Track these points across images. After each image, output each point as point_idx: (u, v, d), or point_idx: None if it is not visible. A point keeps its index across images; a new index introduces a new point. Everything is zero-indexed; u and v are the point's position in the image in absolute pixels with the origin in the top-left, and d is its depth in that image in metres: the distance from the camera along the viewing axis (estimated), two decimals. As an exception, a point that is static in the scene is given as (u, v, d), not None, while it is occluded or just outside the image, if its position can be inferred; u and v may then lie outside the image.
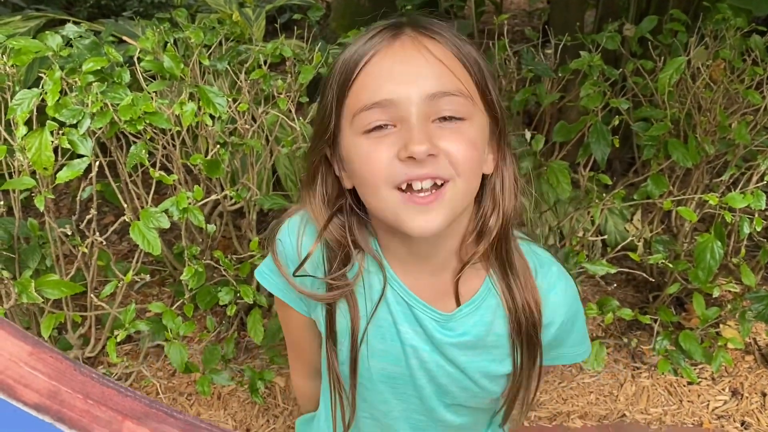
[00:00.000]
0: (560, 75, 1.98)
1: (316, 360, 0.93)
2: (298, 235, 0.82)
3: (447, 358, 0.82)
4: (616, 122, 1.83)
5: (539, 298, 0.81)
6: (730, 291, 1.87)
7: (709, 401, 1.95)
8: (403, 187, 0.69)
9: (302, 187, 0.83)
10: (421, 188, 0.69)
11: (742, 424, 1.88)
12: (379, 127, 0.69)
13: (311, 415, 1.11)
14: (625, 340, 2.10)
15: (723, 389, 1.98)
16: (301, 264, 0.81)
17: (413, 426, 0.89)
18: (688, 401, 1.95)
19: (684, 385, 1.99)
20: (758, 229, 1.71)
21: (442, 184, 0.70)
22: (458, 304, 0.81)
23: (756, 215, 1.72)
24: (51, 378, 0.40)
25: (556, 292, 0.83)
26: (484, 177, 0.76)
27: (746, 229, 1.72)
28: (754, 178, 1.80)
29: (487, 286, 0.81)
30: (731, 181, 1.92)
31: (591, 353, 1.81)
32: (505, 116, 0.76)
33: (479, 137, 0.72)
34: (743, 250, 1.85)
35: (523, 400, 0.86)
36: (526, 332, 0.80)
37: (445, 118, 0.69)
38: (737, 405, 1.93)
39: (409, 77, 0.68)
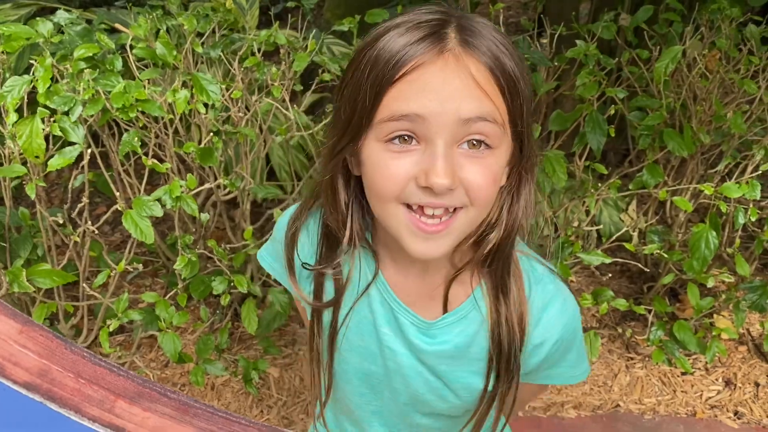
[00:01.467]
0: (556, 64, 1.97)
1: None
2: (295, 221, 0.83)
3: (426, 365, 0.80)
4: (612, 111, 1.83)
5: (527, 317, 0.78)
6: (724, 281, 1.87)
7: (702, 391, 1.95)
8: (414, 208, 0.68)
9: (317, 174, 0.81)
10: (433, 214, 0.68)
11: (735, 414, 1.88)
12: (403, 139, 0.66)
13: None
14: (620, 330, 2.10)
15: (716, 379, 1.99)
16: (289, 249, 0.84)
17: (386, 423, 0.88)
18: (682, 391, 1.95)
19: (678, 376, 2.00)
20: (753, 219, 1.71)
21: (454, 210, 0.68)
22: (445, 311, 0.79)
23: (751, 205, 1.72)
24: (41, 356, 0.39)
25: (550, 310, 0.79)
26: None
27: (741, 220, 1.72)
28: (749, 168, 1.80)
29: (475, 298, 0.78)
30: (726, 171, 1.92)
31: (587, 340, 1.81)
32: (532, 145, 0.73)
33: (500, 166, 0.70)
34: (738, 241, 1.85)
35: (496, 416, 0.83)
36: (506, 350, 0.77)
37: (473, 144, 0.66)
38: (730, 395, 1.94)
39: (445, 98, 0.64)
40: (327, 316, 0.82)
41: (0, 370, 0.37)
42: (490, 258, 0.75)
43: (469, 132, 0.65)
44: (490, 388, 0.80)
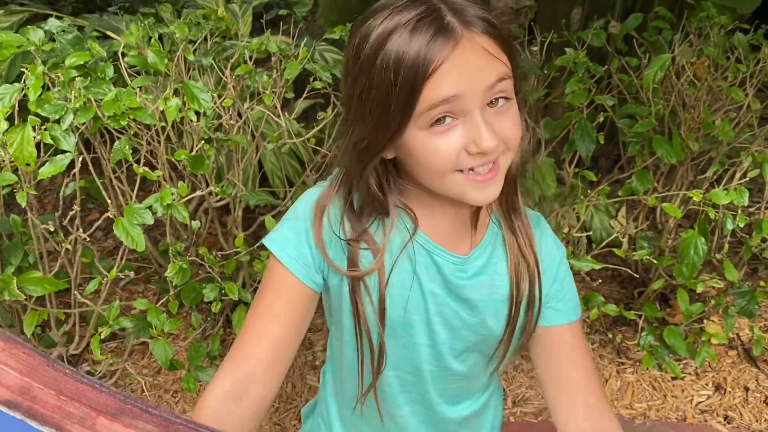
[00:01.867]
0: (546, 72, 1.98)
1: (262, 368, 0.86)
2: (327, 203, 0.88)
3: (462, 300, 0.89)
4: (602, 119, 1.84)
5: (535, 242, 0.91)
6: (713, 287, 1.89)
7: (692, 396, 1.97)
8: (465, 170, 0.79)
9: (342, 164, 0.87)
10: (480, 171, 0.79)
11: (725, 419, 1.90)
12: (440, 121, 0.76)
13: (314, 400, 1.14)
14: (610, 335, 2.11)
15: (706, 384, 2.00)
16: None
17: (423, 376, 0.95)
18: (672, 396, 1.97)
19: (668, 380, 2.01)
20: (741, 225, 1.73)
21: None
22: (472, 247, 0.90)
23: (739, 211, 1.74)
24: (22, 374, 0.39)
25: (546, 237, 0.94)
26: None
27: (729, 226, 1.73)
28: (738, 175, 1.82)
29: (493, 230, 0.91)
30: (715, 177, 1.94)
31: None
32: (518, 65, 0.83)
33: (518, 112, 0.81)
34: (726, 246, 1.87)
35: (516, 344, 0.93)
36: (525, 272, 0.89)
37: (495, 102, 0.77)
38: (720, 399, 1.95)
39: (471, 75, 0.75)
40: (373, 282, 0.87)
41: (-18, 388, 0.37)
42: (506, 186, 0.86)
43: (494, 93, 0.76)
44: (514, 303, 0.90)
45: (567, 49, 1.89)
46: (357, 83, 0.79)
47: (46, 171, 1.41)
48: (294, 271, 0.86)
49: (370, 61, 0.76)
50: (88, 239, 1.54)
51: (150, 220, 1.43)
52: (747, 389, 1.98)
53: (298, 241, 0.87)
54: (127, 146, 1.50)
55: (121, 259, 1.62)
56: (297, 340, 0.90)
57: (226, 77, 1.73)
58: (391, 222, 0.86)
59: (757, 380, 2.00)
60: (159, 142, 1.64)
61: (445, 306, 0.89)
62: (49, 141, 1.42)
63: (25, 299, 1.50)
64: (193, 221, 1.54)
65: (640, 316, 1.95)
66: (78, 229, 1.54)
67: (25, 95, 1.45)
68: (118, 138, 1.55)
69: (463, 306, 0.90)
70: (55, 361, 0.41)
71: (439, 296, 0.89)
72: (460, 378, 0.96)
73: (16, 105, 1.45)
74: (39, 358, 0.40)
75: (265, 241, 0.89)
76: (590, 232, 2.05)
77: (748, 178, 1.77)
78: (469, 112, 0.76)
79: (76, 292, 1.62)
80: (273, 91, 1.71)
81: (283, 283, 0.87)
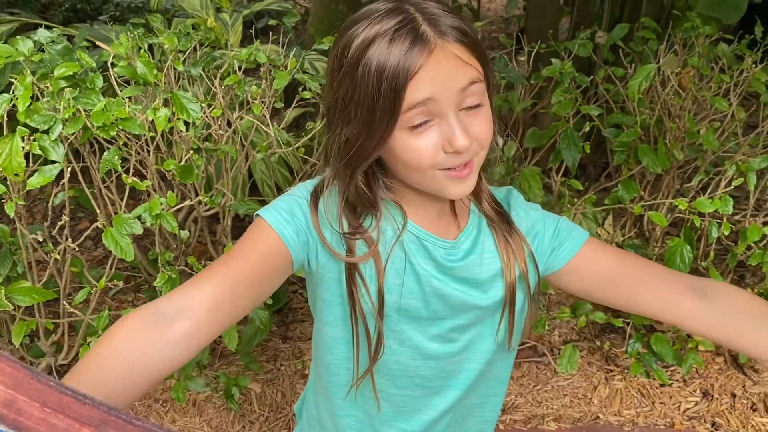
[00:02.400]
0: (533, 82, 2.00)
1: (208, 295, 0.80)
2: (320, 193, 0.93)
3: (457, 279, 0.94)
4: (588, 128, 1.86)
5: (510, 215, 0.98)
6: (700, 294, 1.90)
7: (680, 402, 1.98)
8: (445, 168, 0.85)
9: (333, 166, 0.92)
10: (456, 166, 0.85)
11: (712, 425, 1.91)
12: (421, 124, 0.82)
13: (304, 394, 1.17)
14: (599, 343, 2.12)
15: (694, 391, 2.02)
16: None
17: (424, 355, 0.98)
18: (660, 403, 1.98)
19: (656, 387, 2.02)
20: (726, 233, 1.75)
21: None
22: (459, 233, 0.95)
23: (724, 219, 1.76)
24: (7, 387, 0.40)
25: (517, 207, 0.99)
26: None
27: (715, 233, 1.75)
28: (723, 184, 1.84)
29: (475, 214, 0.97)
30: (700, 186, 1.96)
31: (565, 355, 1.84)
32: (493, 81, 0.91)
33: (491, 112, 0.87)
34: (712, 254, 1.89)
35: (526, 315, 0.99)
36: (510, 245, 0.95)
37: (469, 105, 0.83)
38: (708, 406, 1.97)
39: (445, 80, 0.81)
40: (370, 271, 0.91)
41: (-33, 401, 0.38)
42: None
43: (466, 96, 0.83)
44: (510, 279, 0.95)
45: (553, 60, 1.91)
46: (341, 89, 0.84)
47: (35, 181, 1.41)
48: (278, 230, 0.86)
49: (352, 68, 0.82)
50: (77, 249, 1.54)
51: (139, 230, 1.43)
52: (734, 395, 1.99)
53: (291, 211, 0.88)
54: (117, 156, 1.50)
55: (111, 268, 1.62)
56: (254, 291, 0.86)
57: (215, 87, 1.74)
58: (379, 215, 0.92)
59: (743, 387, 2.02)
60: (148, 152, 1.64)
61: (442, 288, 0.94)
62: (38, 151, 1.43)
63: (14, 309, 1.49)
64: (182, 231, 1.54)
65: (627, 324, 1.97)
66: (67, 239, 1.54)
67: (14, 105, 1.45)
68: (108, 148, 1.55)
69: (459, 284, 0.95)
70: (40, 374, 0.41)
71: (434, 279, 0.94)
72: (468, 359, 0.99)
73: (5, 115, 1.45)
74: (24, 371, 0.41)
75: (260, 211, 0.88)
76: (578, 240, 2.06)
77: (732, 187, 1.79)
78: (444, 114, 0.82)
79: (65, 302, 1.62)
80: (262, 101, 1.72)
81: (262, 234, 0.87)
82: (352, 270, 0.91)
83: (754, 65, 1.99)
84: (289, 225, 0.87)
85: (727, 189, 1.78)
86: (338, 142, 0.87)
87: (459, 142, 0.82)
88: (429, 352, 0.98)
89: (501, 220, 0.97)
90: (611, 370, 2.08)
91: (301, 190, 0.94)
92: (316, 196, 0.92)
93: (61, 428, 0.39)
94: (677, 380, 2.05)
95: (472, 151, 0.84)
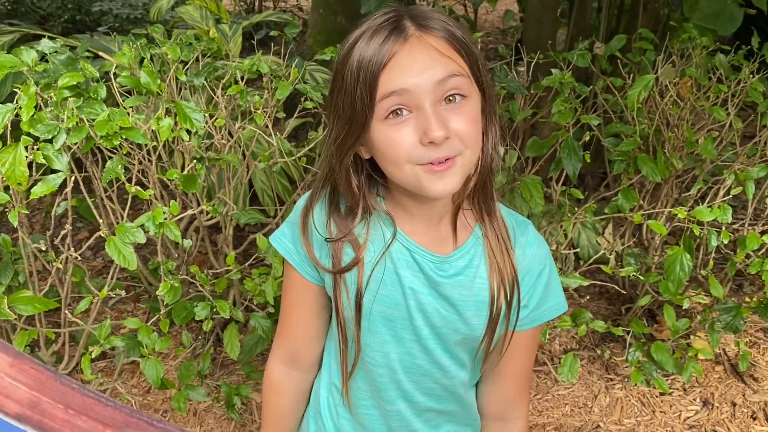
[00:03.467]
0: (533, 92, 2.02)
1: (301, 343, 1.06)
2: (311, 205, 0.97)
3: (443, 297, 0.94)
4: (587, 138, 1.87)
5: (513, 251, 0.95)
6: (699, 302, 1.91)
7: (680, 411, 1.98)
8: (424, 164, 0.83)
9: (326, 164, 0.94)
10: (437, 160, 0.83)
11: (712, 434, 1.91)
12: (397, 113, 0.82)
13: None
14: (599, 351, 2.13)
15: (694, 399, 2.02)
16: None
17: (408, 370, 0.99)
18: (661, 412, 1.98)
19: (656, 396, 2.03)
20: (725, 241, 1.76)
21: (454, 157, 0.84)
22: (454, 249, 0.94)
23: (723, 228, 1.77)
24: (32, 388, 0.40)
25: (532, 245, 0.97)
26: None
27: (714, 242, 1.76)
28: (721, 192, 1.85)
29: (476, 234, 0.95)
30: (699, 195, 1.97)
31: (566, 364, 1.84)
32: (491, 89, 0.90)
33: (477, 111, 0.86)
34: (711, 263, 1.89)
35: (499, 343, 0.97)
36: (503, 278, 0.93)
37: (450, 99, 0.82)
38: (708, 415, 1.97)
39: (420, 71, 0.81)
40: (352, 278, 0.94)
41: (-8, 402, 0.38)
42: (478, 192, 0.93)
43: (446, 89, 0.82)
44: (494, 313, 0.94)
45: (553, 70, 1.93)
46: (333, 89, 0.88)
47: (38, 191, 1.41)
48: (294, 265, 0.99)
49: (341, 67, 0.85)
50: (78, 258, 1.54)
51: (142, 239, 1.43)
52: (734, 404, 2.00)
53: (294, 238, 0.99)
54: (119, 166, 1.51)
55: (112, 278, 1.62)
56: (323, 315, 1.04)
57: (217, 97, 1.75)
58: (367, 224, 0.94)
59: (744, 395, 2.02)
60: (150, 161, 1.65)
61: (426, 303, 0.94)
62: (42, 161, 1.43)
63: (15, 318, 1.49)
64: (184, 240, 1.54)
65: (627, 332, 1.97)
66: (69, 249, 1.54)
67: (17, 115, 1.45)
68: (110, 157, 1.56)
69: (444, 303, 0.94)
70: (63, 376, 0.42)
71: (420, 293, 0.94)
72: (445, 371, 1.00)
73: (9, 125, 1.46)
74: (47, 373, 0.41)
75: (271, 238, 1.02)
76: (578, 249, 2.07)
77: (731, 196, 1.80)
78: (420, 106, 0.81)
79: (66, 311, 1.62)
80: (264, 111, 1.73)
81: (290, 278, 1.02)
82: (337, 277, 0.94)
83: (751, 75, 2.01)
84: (298, 257, 0.99)
85: (725, 198, 1.79)
86: (328, 140, 0.91)
87: (434, 132, 0.80)
88: (410, 366, 0.98)
89: (502, 253, 0.94)
90: (611, 379, 2.09)
91: (296, 211, 0.99)
92: (306, 211, 0.97)
93: (84, 429, 0.40)
94: (677, 389, 2.05)
95: (451, 146, 0.82)
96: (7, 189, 1.46)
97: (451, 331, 0.96)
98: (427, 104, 0.81)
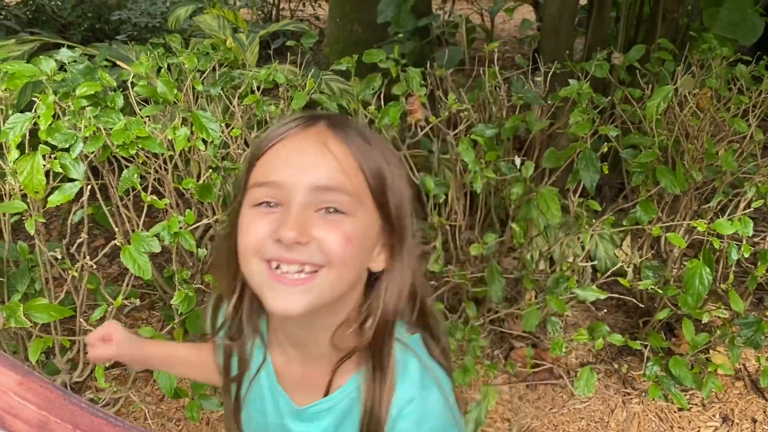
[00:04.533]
0: (550, 102, 2.00)
1: None
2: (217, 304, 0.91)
3: None
4: (605, 149, 1.86)
5: (390, 406, 0.78)
6: (719, 317, 1.88)
7: (699, 427, 1.95)
8: (273, 265, 0.72)
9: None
10: (287, 271, 0.72)
11: (732, 451, 1.88)
12: (269, 205, 0.73)
13: None
14: (616, 365, 2.10)
15: (713, 415, 1.98)
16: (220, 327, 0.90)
17: None
18: (679, 427, 1.95)
19: (674, 411, 1.99)
20: (746, 255, 1.73)
21: (316, 271, 0.72)
22: (326, 395, 0.81)
23: (744, 241, 1.74)
24: (40, 408, 0.40)
25: (412, 406, 0.78)
26: (374, 273, 0.79)
27: (734, 256, 1.73)
28: (742, 205, 1.82)
29: (353, 384, 0.80)
30: (719, 207, 1.94)
31: (582, 378, 1.81)
32: (405, 223, 0.78)
33: (360, 234, 0.74)
34: (731, 276, 1.86)
35: None
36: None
37: (328, 210, 0.72)
38: (728, 431, 1.93)
39: (300, 167, 0.72)
40: (234, 388, 0.89)
41: (0, 422, 0.38)
42: (371, 345, 0.78)
43: (322, 200, 0.72)
44: None
45: (570, 80, 1.91)
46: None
47: (55, 199, 1.42)
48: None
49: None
50: (94, 266, 1.54)
51: (157, 248, 1.44)
52: (755, 421, 1.96)
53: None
54: (136, 174, 1.51)
55: (127, 285, 1.62)
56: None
57: (233, 106, 1.75)
58: (241, 345, 0.86)
59: (765, 412, 1.98)
60: (166, 170, 1.65)
61: None
62: (59, 169, 1.44)
63: (31, 326, 1.50)
64: (199, 249, 1.54)
65: (645, 346, 1.94)
66: (85, 256, 1.54)
67: (35, 124, 1.46)
68: (126, 166, 1.57)
69: None
70: (72, 395, 0.41)
71: (287, 427, 0.85)
72: None
73: (27, 133, 1.47)
74: (56, 392, 0.41)
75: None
76: (595, 262, 2.05)
77: (752, 209, 1.77)
78: (288, 203, 0.72)
79: (81, 319, 1.62)
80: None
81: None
82: (226, 382, 0.89)
83: (772, 86, 1.99)
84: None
85: (746, 210, 1.76)
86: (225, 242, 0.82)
87: (285, 231, 0.69)
88: None
89: (378, 415, 0.77)
90: (628, 393, 2.05)
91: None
92: (215, 305, 0.91)
93: (92, 451, 0.39)
94: (696, 404, 2.01)
95: (308, 252, 0.71)
96: (24, 197, 1.47)
97: None
98: (295, 203, 0.71)
